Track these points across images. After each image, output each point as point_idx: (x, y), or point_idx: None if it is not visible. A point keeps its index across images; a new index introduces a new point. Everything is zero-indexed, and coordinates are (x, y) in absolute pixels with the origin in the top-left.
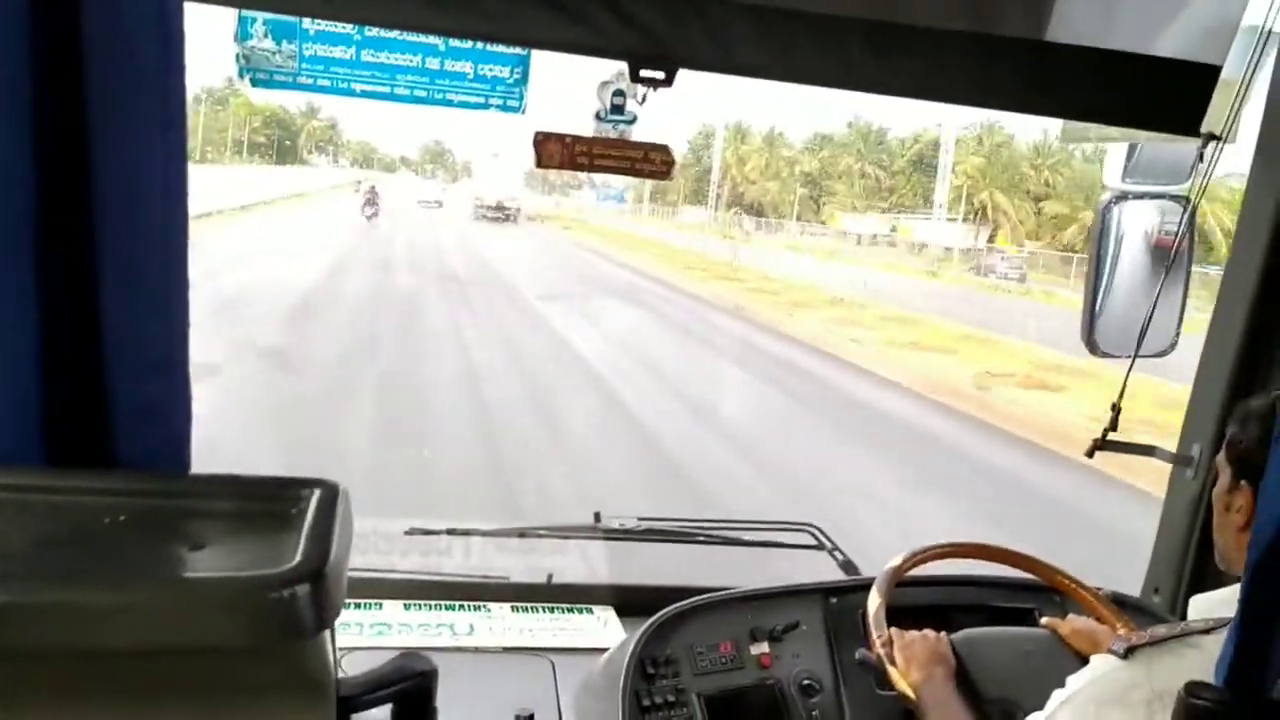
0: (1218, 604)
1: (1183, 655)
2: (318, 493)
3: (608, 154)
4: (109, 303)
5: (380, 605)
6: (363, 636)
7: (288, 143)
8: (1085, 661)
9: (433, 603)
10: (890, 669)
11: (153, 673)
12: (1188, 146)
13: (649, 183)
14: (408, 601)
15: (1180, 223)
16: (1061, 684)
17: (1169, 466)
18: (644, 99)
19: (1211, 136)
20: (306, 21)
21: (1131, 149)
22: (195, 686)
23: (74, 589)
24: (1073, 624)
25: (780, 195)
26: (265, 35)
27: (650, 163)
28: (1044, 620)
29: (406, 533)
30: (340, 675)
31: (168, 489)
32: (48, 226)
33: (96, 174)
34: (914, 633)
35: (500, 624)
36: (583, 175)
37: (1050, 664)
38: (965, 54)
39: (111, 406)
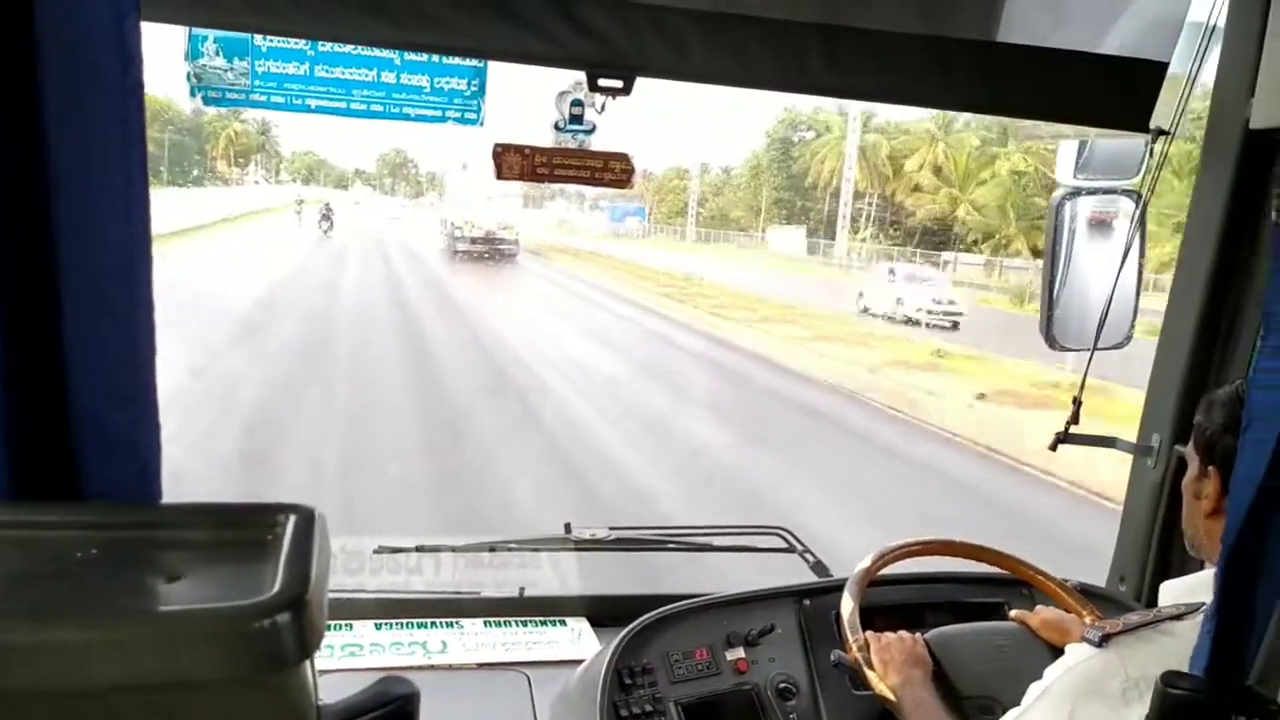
0: (1188, 589)
1: (1157, 641)
2: (293, 518)
3: (568, 164)
4: (72, 331)
5: (351, 626)
6: (334, 659)
7: (196, 155)
8: (1057, 652)
9: (404, 621)
10: (868, 673)
11: (132, 708)
12: (1137, 141)
13: (682, 195)
14: (379, 621)
15: (1132, 217)
16: (1036, 676)
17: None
18: (603, 108)
19: (1160, 131)
20: (258, 38)
21: (1082, 145)
22: None
23: (49, 627)
24: (1041, 615)
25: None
26: (217, 53)
27: (611, 171)
28: (1013, 613)
29: (375, 551)
30: (318, 702)
31: (140, 520)
32: (6, 253)
33: (55, 198)
34: (890, 635)
35: (473, 640)
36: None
37: (1023, 657)
38: (919, 57)
39: (78, 437)
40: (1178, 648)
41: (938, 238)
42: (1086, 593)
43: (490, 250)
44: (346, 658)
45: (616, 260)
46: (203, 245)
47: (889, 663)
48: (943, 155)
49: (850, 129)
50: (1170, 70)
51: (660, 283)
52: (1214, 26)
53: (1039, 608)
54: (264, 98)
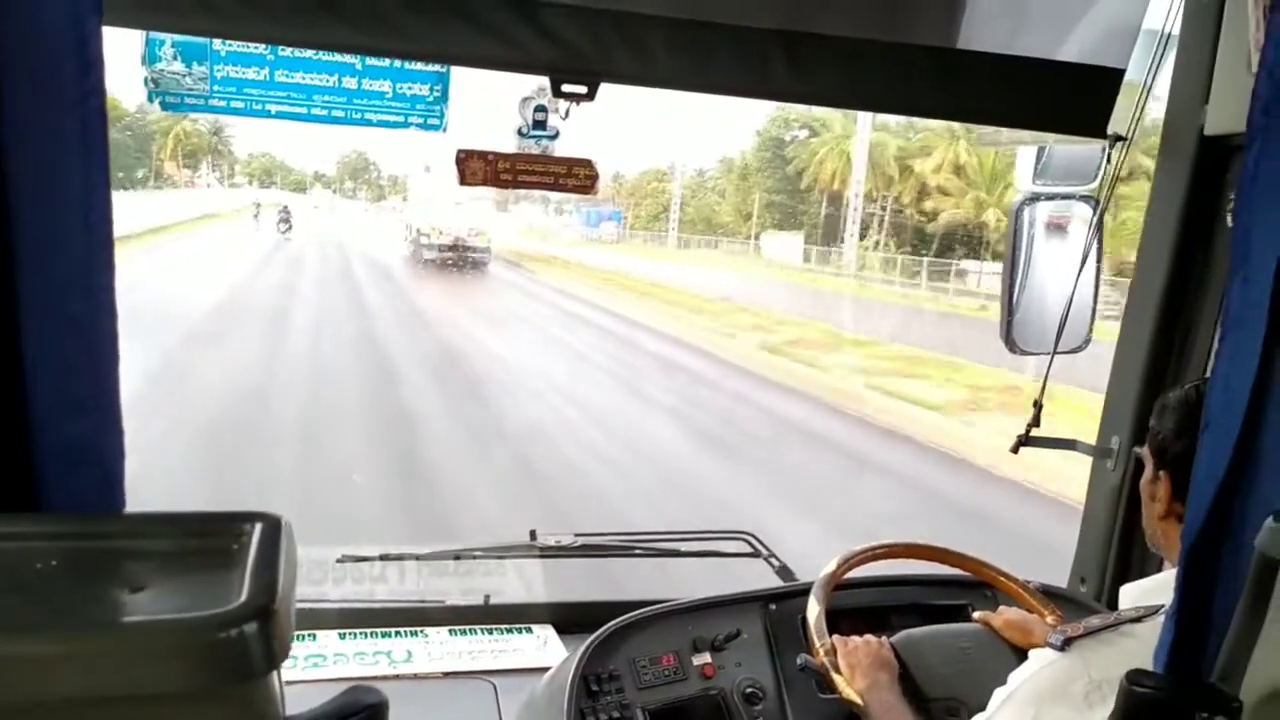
0: (1147, 592)
1: (1118, 644)
2: (259, 526)
3: (531, 169)
4: (31, 338)
5: (315, 636)
6: (297, 670)
7: (136, 154)
8: (1020, 652)
9: (369, 631)
10: (835, 677)
11: None
12: (1094, 147)
13: (660, 199)
14: (343, 631)
15: (1090, 222)
16: (1000, 676)
17: None
18: (566, 114)
19: (1117, 137)
20: (217, 43)
21: (1041, 151)
22: None
23: (10, 640)
24: (1004, 616)
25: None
26: (175, 58)
27: (574, 177)
28: (976, 615)
29: (339, 560)
30: (285, 714)
31: (103, 530)
32: None
33: (13, 204)
34: (856, 639)
35: (439, 648)
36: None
37: (987, 658)
38: (880, 63)
39: (38, 446)
40: (1139, 649)
41: (962, 245)
42: (1048, 594)
43: (459, 258)
44: (311, 669)
45: (604, 270)
46: (148, 254)
47: (856, 666)
48: (965, 154)
49: (859, 126)
50: (1127, 77)
51: (673, 301)
52: (1169, 34)
53: (1001, 608)
54: (223, 103)
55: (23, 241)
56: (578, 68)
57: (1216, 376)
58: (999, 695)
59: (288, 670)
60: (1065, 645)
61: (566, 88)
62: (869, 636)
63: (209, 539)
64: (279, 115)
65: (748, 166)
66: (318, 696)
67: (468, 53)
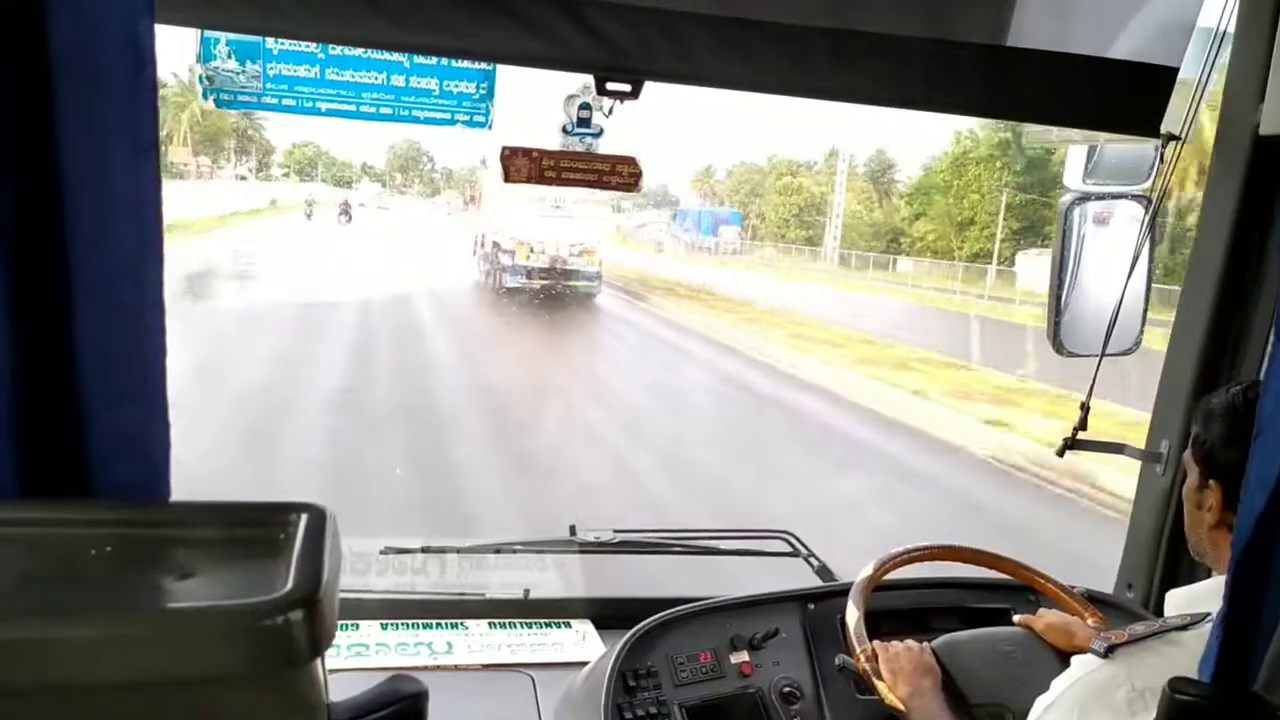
0: (1194, 599)
1: (1162, 652)
2: (305, 517)
3: (575, 167)
4: (83, 329)
5: (357, 626)
6: (340, 658)
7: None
8: (1063, 656)
9: (410, 622)
10: (878, 683)
11: (145, 705)
12: (1147, 146)
13: (795, 198)
14: (385, 621)
15: (1142, 222)
16: (1043, 681)
17: None
18: (610, 111)
19: (1171, 136)
20: (270, 41)
21: (1091, 150)
22: (187, 718)
23: (64, 624)
24: (1046, 619)
25: None
26: (229, 56)
27: (618, 175)
28: (1017, 618)
29: (382, 552)
30: (328, 700)
31: (152, 518)
32: (19, 252)
33: (69, 198)
34: (897, 645)
35: (478, 641)
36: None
37: (1030, 662)
38: (926, 60)
39: (87, 435)
40: (1183, 658)
41: None
42: (1094, 599)
43: (557, 288)
44: (353, 657)
45: (761, 306)
46: None
47: (898, 673)
48: None
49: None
50: (1181, 75)
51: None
52: (1224, 32)
53: (1042, 611)
54: (275, 100)
55: (75, 234)
56: (622, 65)
57: (1270, 381)
58: (1041, 703)
59: (331, 658)
60: (1109, 652)
61: (610, 86)
62: (910, 642)
63: (256, 528)
64: (329, 113)
65: (976, 155)
66: (360, 684)
67: (513, 51)
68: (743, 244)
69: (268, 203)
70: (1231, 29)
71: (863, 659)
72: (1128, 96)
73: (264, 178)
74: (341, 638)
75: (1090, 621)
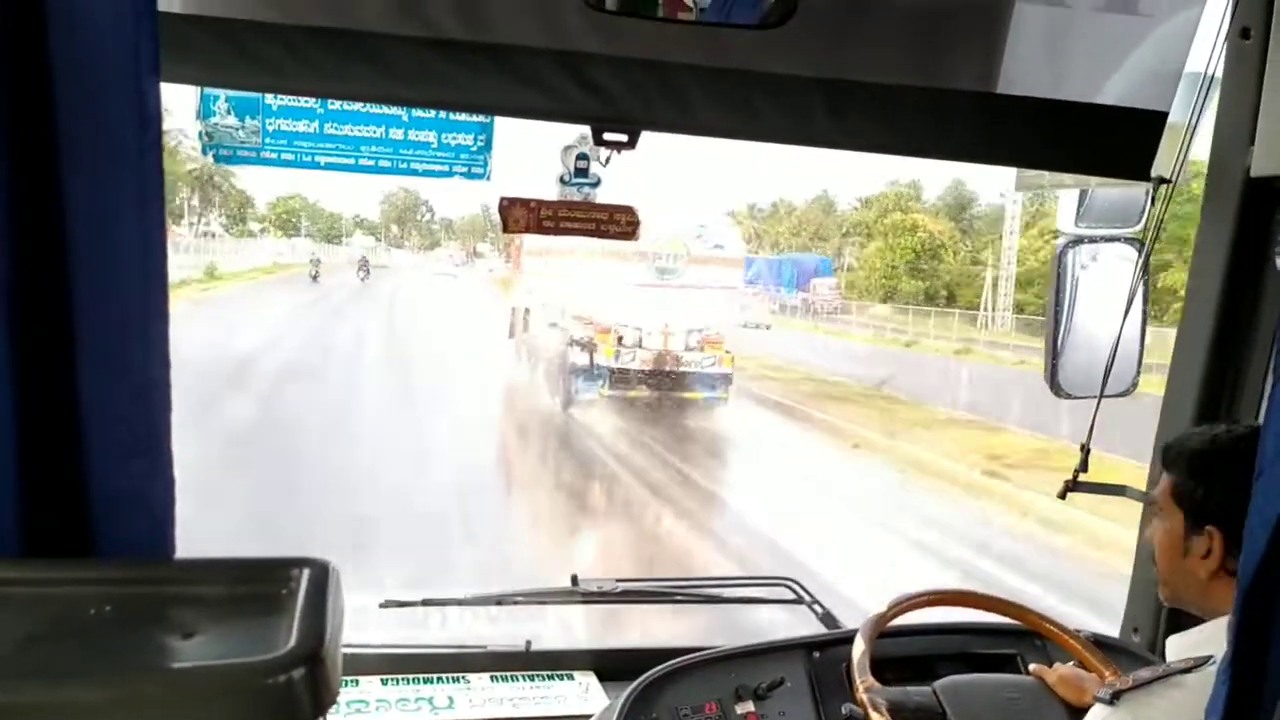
0: (1196, 644)
1: (1167, 696)
2: (307, 572)
3: (573, 216)
4: (87, 385)
5: (357, 682)
6: (340, 716)
7: None
8: (1070, 709)
9: (411, 677)
10: (875, 716)
11: None
12: (1137, 190)
13: (910, 238)
14: (385, 676)
15: (1136, 264)
16: None
17: None
18: (607, 161)
19: (1161, 180)
20: (269, 97)
21: (1083, 194)
22: None
23: (66, 686)
24: (1060, 672)
25: None
26: (228, 112)
27: (616, 224)
28: (1032, 668)
29: (381, 605)
30: None
31: (153, 576)
32: (23, 307)
33: (73, 254)
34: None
35: (480, 695)
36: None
37: (1035, 711)
38: (919, 108)
39: (90, 492)
40: (1188, 700)
41: None
42: (1100, 644)
43: (664, 399)
44: (353, 715)
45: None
46: None
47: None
48: None
49: None
50: (1170, 119)
51: None
52: (1212, 76)
53: (1058, 665)
54: (274, 155)
55: (80, 289)
56: (619, 117)
57: (1270, 423)
58: None
59: (331, 716)
60: (1115, 699)
61: (608, 136)
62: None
63: (258, 585)
64: (328, 166)
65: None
66: None
67: (510, 103)
68: (837, 301)
69: (270, 262)
70: (1219, 73)
71: (862, 691)
72: (1118, 141)
73: (238, 234)
74: (341, 694)
75: (1109, 678)
